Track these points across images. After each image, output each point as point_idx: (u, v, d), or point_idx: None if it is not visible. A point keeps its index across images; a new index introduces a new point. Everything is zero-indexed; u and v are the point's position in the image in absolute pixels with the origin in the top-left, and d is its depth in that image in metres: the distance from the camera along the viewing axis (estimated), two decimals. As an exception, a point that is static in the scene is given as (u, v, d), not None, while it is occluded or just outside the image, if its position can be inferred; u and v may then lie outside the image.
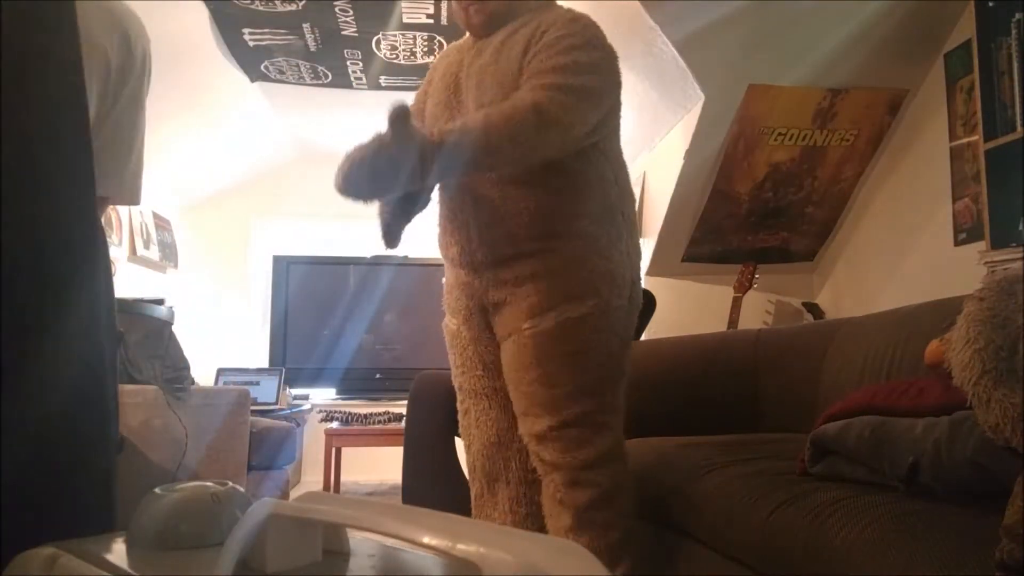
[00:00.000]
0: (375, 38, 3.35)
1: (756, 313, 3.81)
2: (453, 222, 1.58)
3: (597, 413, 1.49)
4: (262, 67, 3.64)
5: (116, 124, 1.27)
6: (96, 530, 1.07)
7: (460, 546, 0.49)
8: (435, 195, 1.63)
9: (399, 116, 1.24)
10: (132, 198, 1.37)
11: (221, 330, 4.88)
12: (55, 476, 1.01)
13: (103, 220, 1.33)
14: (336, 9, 3.07)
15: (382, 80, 3.81)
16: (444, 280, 1.74)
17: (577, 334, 1.47)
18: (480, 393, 1.65)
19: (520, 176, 1.46)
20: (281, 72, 3.72)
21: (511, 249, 1.50)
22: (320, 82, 3.84)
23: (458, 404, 1.72)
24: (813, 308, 3.77)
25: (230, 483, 0.79)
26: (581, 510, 1.46)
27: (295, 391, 4.61)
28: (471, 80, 1.54)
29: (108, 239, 3.68)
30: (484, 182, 1.49)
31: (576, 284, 1.48)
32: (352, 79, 3.79)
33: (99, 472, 1.12)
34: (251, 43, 3.37)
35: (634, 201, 1.63)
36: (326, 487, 3.84)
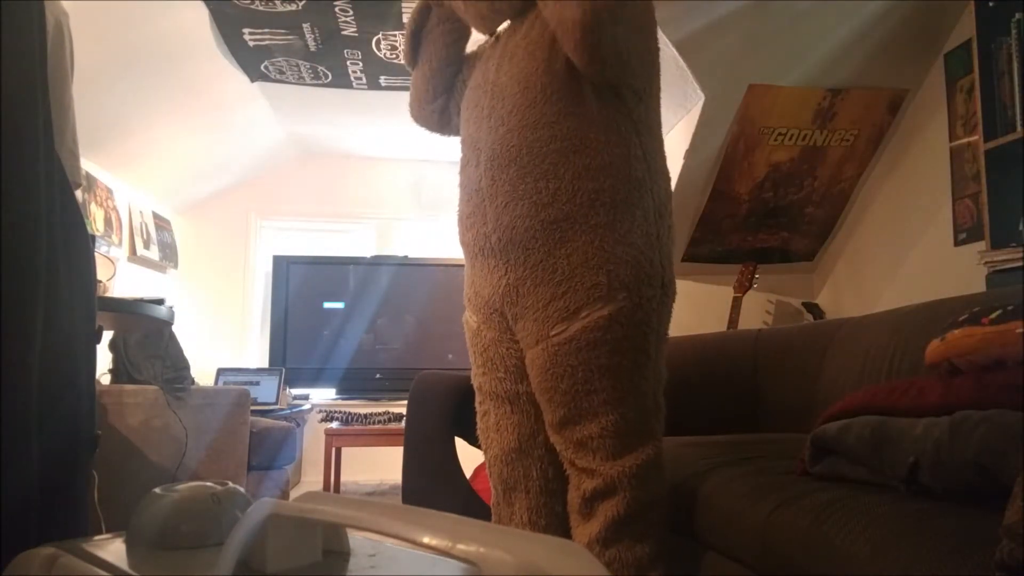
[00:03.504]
0: (375, 38, 3.34)
1: (756, 313, 3.82)
2: (469, 205, 1.49)
3: (639, 418, 1.40)
4: (262, 67, 3.64)
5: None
6: (61, 526, 1.06)
7: (460, 546, 0.49)
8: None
9: None
10: (73, 181, 1.27)
11: (221, 330, 4.88)
12: (16, 471, 0.99)
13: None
14: (336, 9, 3.07)
15: (382, 80, 3.81)
16: (465, 274, 1.61)
17: (609, 337, 1.36)
18: (502, 396, 1.54)
19: (540, 151, 1.39)
20: (281, 72, 3.71)
21: (526, 233, 1.39)
22: (320, 82, 3.84)
23: (477, 405, 1.62)
24: (813, 308, 3.77)
25: (230, 483, 0.79)
26: (612, 521, 1.38)
27: (295, 391, 4.61)
28: (503, 60, 1.49)
29: (108, 239, 3.68)
30: (503, 159, 1.42)
31: (601, 281, 1.36)
32: (352, 79, 3.79)
33: (66, 469, 1.11)
34: (251, 43, 3.37)
35: (667, 179, 1.51)
36: (326, 487, 3.83)
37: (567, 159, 1.38)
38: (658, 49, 1.48)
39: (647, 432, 1.42)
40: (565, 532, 1.49)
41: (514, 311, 1.45)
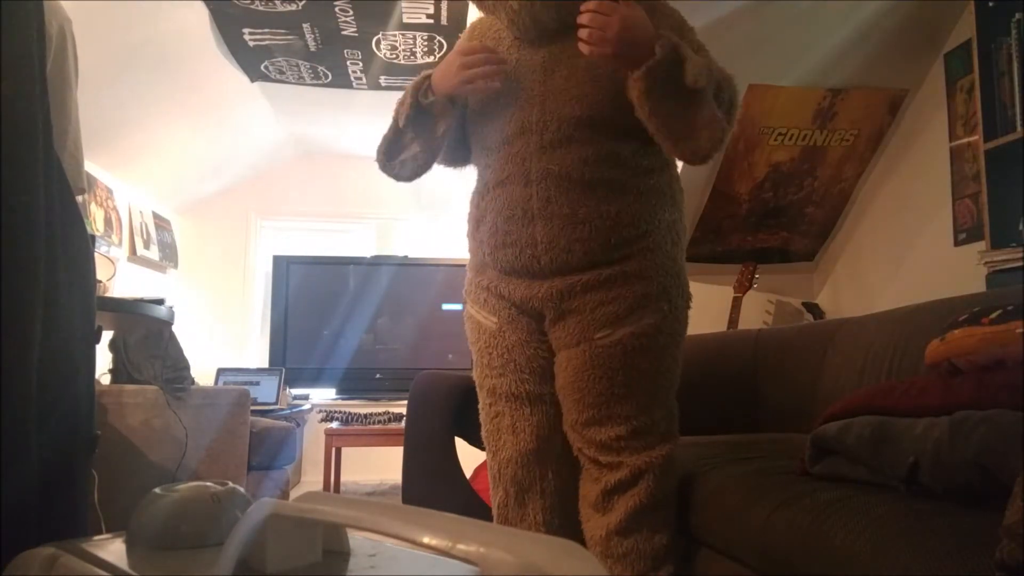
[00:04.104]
0: (375, 38, 3.34)
1: (756, 313, 3.81)
2: (511, 223, 1.44)
3: (663, 420, 1.47)
4: (262, 67, 3.64)
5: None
6: (61, 526, 1.07)
7: (460, 546, 0.49)
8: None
9: None
10: (75, 186, 1.24)
11: (221, 330, 4.88)
12: (16, 471, 0.99)
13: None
14: (336, 9, 3.07)
15: (382, 80, 3.80)
16: (468, 275, 1.59)
17: (651, 344, 1.43)
18: (522, 398, 1.52)
19: (603, 175, 1.40)
20: (281, 72, 3.71)
21: (585, 258, 1.40)
22: (320, 82, 3.84)
23: (487, 407, 1.58)
24: (813, 308, 3.77)
25: (230, 483, 0.79)
26: (632, 510, 1.42)
27: (295, 391, 4.61)
28: (555, 73, 1.42)
29: (108, 239, 3.68)
30: (563, 180, 1.39)
31: (651, 291, 1.43)
32: (352, 79, 3.79)
33: (66, 469, 1.11)
34: (251, 43, 3.37)
35: (682, 193, 1.58)
36: (326, 487, 3.83)
37: (627, 183, 1.42)
38: None
39: (668, 433, 1.49)
40: (577, 533, 1.50)
41: (556, 312, 1.46)
